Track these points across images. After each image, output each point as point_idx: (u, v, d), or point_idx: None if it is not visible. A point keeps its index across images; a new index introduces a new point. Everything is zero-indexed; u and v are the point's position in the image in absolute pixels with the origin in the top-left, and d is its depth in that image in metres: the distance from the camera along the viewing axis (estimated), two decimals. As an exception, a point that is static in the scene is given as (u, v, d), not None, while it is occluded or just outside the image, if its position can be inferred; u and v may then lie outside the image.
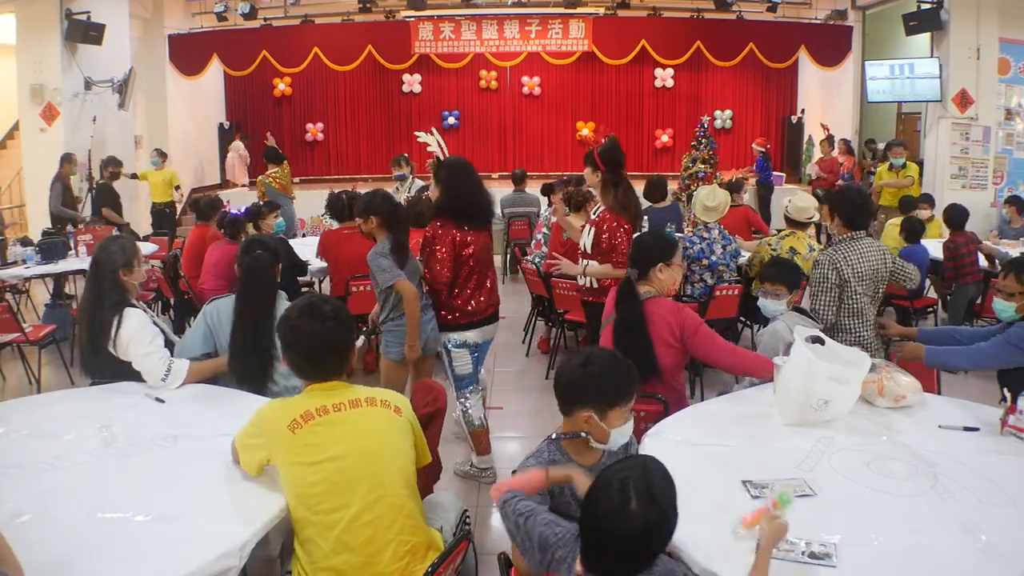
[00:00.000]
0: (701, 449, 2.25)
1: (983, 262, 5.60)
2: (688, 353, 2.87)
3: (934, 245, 5.93)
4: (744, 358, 2.84)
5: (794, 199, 5.10)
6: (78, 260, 6.00)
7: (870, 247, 3.24)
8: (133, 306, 2.80)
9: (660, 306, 2.84)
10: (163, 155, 9.45)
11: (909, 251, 5.70)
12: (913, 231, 5.72)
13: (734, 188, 6.75)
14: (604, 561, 1.48)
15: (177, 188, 9.33)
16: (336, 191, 5.76)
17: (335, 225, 5.84)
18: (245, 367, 2.78)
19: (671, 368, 2.85)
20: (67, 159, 8.35)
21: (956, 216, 5.67)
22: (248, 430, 2.01)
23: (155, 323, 2.83)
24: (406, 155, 8.04)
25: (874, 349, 3.28)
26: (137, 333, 2.71)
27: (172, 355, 2.82)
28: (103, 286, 2.76)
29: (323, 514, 1.88)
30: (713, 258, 4.81)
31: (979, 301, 5.58)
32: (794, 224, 5.01)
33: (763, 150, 10.49)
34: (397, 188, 7.53)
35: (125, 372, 2.76)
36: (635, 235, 3.50)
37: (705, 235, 4.85)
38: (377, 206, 3.43)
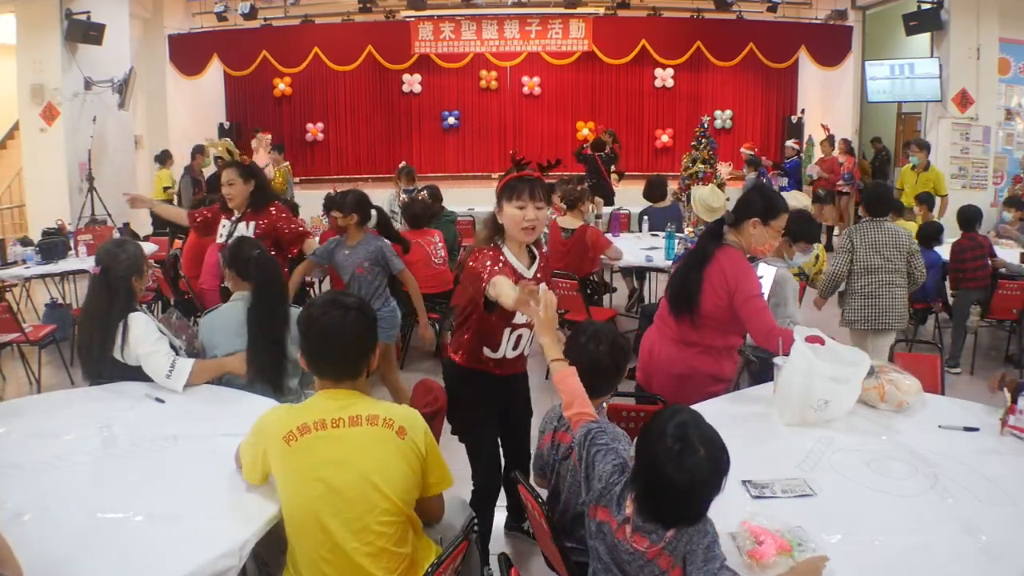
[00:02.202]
0: (701, 449, 2.24)
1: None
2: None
3: (946, 248, 5.79)
4: (775, 339, 2.70)
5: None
6: (78, 260, 6.00)
7: (889, 230, 4.20)
8: (136, 311, 2.80)
9: (730, 256, 2.78)
10: (166, 156, 9.79)
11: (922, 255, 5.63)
12: (926, 236, 5.59)
13: None
14: (663, 509, 1.57)
15: (166, 189, 9.50)
16: (337, 191, 5.76)
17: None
18: (259, 363, 2.77)
19: (716, 318, 2.80)
20: (199, 151, 8.35)
21: (963, 217, 5.55)
22: (249, 438, 1.98)
23: (160, 330, 2.83)
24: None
25: (896, 312, 4.20)
26: (143, 334, 2.72)
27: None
28: (117, 292, 2.75)
29: (308, 534, 1.83)
30: None
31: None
32: None
33: (751, 153, 10.49)
34: (400, 195, 7.51)
35: (128, 377, 2.76)
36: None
37: None
38: (355, 204, 3.88)
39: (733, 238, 2.86)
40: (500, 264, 2.50)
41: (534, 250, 2.66)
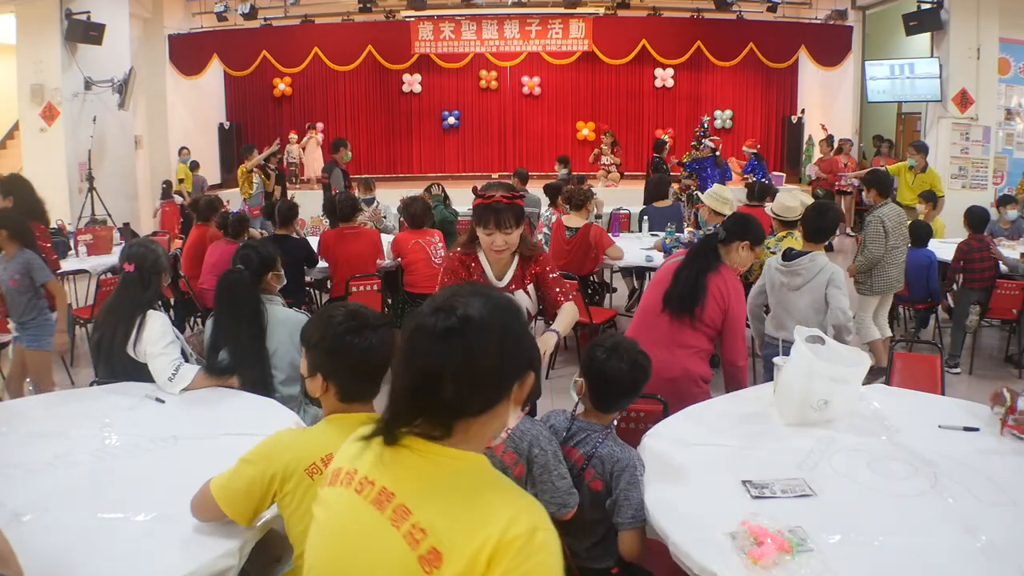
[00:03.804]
0: (701, 449, 2.25)
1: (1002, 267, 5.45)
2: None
3: (946, 247, 5.77)
4: (735, 377, 3.06)
5: (780, 198, 5.08)
6: (78, 260, 6.00)
7: (897, 208, 5.00)
8: (156, 309, 2.86)
9: (731, 275, 3.03)
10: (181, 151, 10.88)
11: (909, 253, 5.62)
12: (918, 235, 5.62)
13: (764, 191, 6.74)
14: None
15: (181, 181, 10.39)
16: (337, 192, 5.76)
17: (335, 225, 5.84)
18: (248, 378, 2.79)
19: (712, 325, 2.99)
20: (343, 144, 8.54)
21: (975, 218, 5.52)
22: (245, 466, 1.72)
23: (176, 334, 2.86)
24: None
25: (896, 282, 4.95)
26: (158, 333, 2.76)
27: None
28: (150, 287, 2.85)
29: None
30: None
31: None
32: (786, 224, 5.00)
33: (754, 151, 10.49)
34: (362, 210, 6.79)
35: (139, 375, 2.78)
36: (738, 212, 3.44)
37: None
38: (6, 220, 3.93)
39: (722, 255, 3.04)
40: (469, 269, 2.69)
41: (515, 258, 2.72)
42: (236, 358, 2.81)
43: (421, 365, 1.12)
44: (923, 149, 7.62)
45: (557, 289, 2.78)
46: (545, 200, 7.06)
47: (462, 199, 9.17)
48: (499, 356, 1.13)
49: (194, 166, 10.82)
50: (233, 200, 8.62)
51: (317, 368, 1.76)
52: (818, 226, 3.61)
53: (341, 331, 1.74)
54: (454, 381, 1.10)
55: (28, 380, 3.67)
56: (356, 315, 1.78)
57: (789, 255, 3.58)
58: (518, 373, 1.16)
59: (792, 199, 5.01)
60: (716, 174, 9.67)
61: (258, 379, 2.81)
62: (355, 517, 1.14)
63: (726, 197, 4.93)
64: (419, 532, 1.06)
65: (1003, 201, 6.73)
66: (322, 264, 5.42)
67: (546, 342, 2.53)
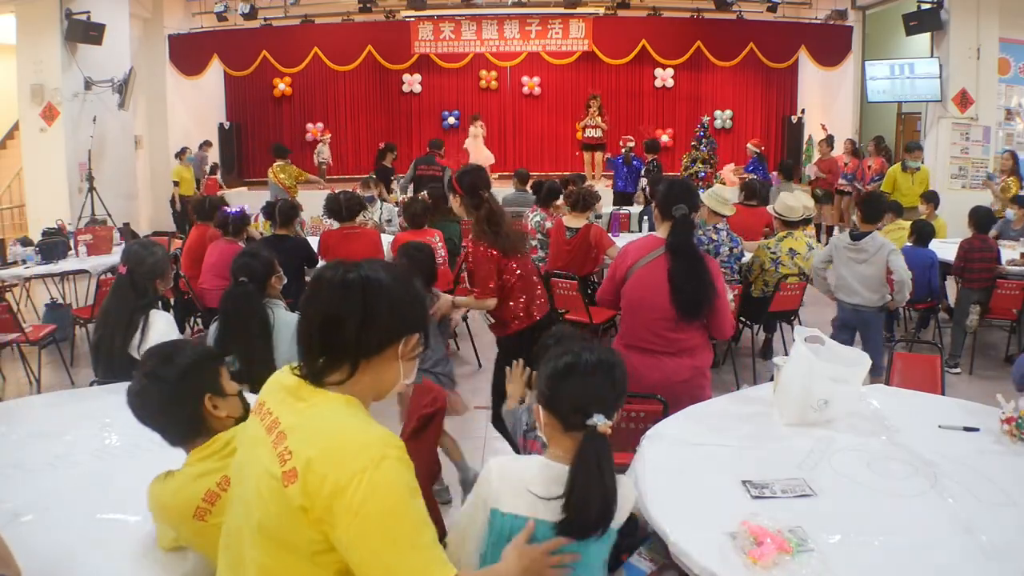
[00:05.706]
0: (701, 449, 2.25)
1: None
2: None
3: (947, 247, 5.77)
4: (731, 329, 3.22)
5: (782, 198, 5.06)
6: (78, 260, 6.00)
7: None
8: (158, 308, 2.89)
9: (708, 258, 3.00)
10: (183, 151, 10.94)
11: (911, 252, 5.62)
12: (921, 234, 5.63)
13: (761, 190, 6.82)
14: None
15: (176, 184, 10.41)
16: (336, 191, 5.75)
17: (335, 225, 5.84)
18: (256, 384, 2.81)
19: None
20: (439, 146, 8.75)
21: (980, 219, 5.54)
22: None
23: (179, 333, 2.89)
24: (374, 177, 7.89)
25: None
26: (163, 333, 2.78)
27: None
28: (145, 292, 2.86)
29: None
30: (719, 259, 4.78)
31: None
32: (788, 224, 4.99)
33: (758, 151, 10.50)
34: (364, 208, 6.67)
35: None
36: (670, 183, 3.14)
37: (715, 237, 4.78)
38: None
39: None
40: None
41: None
42: (247, 366, 2.81)
43: (325, 309, 1.38)
44: (920, 149, 7.72)
45: (464, 276, 3.07)
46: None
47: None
48: (389, 308, 1.38)
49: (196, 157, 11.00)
50: (234, 199, 8.62)
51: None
52: (872, 211, 4.42)
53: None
54: (354, 323, 1.35)
55: None
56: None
57: (855, 236, 4.34)
58: (407, 329, 1.41)
59: (794, 199, 5.01)
60: (624, 172, 9.77)
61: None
62: (255, 436, 1.40)
63: (725, 197, 4.93)
64: (287, 454, 1.30)
65: (1014, 201, 6.71)
66: (322, 264, 5.42)
67: (440, 301, 3.16)
